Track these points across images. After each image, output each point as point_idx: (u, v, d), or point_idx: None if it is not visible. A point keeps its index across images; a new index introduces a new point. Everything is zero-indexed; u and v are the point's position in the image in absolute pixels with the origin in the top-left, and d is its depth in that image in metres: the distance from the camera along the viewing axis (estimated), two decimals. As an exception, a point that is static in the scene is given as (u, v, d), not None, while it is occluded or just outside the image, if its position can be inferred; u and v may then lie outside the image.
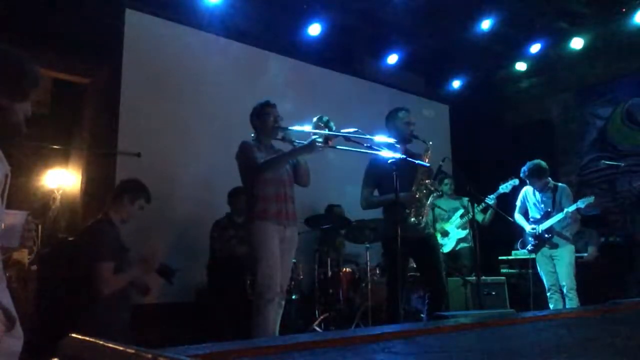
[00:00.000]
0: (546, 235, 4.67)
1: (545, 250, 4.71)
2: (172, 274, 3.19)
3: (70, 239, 4.02)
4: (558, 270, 4.61)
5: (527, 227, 4.79)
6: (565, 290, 4.52)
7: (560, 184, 4.87)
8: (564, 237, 4.66)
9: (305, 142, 3.15)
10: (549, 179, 4.79)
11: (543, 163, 4.73)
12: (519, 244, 4.93)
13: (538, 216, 4.77)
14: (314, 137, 3.09)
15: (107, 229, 2.88)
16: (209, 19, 5.24)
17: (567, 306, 4.48)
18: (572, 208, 4.59)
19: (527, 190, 4.91)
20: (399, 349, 0.98)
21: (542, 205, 4.76)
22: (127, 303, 2.98)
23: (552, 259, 4.68)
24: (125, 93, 4.71)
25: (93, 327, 2.69)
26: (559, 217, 4.60)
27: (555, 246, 4.66)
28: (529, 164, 4.76)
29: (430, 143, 3.60)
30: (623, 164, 5.82)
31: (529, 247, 4.80)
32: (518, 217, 4.93)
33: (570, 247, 4.67)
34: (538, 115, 7.51)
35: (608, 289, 5.18)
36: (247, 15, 5.44)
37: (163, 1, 5.09)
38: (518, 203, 4.97)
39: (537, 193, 4.82)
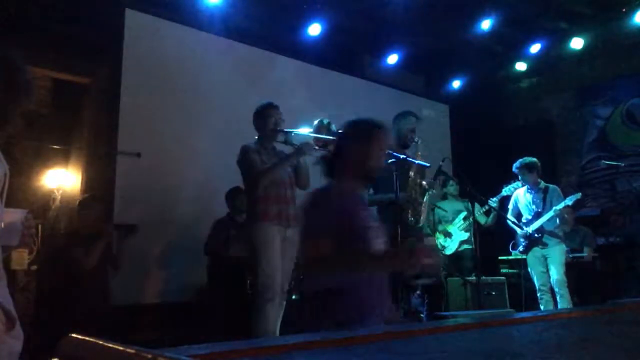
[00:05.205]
0: (536, 235, 4.70)
1: (536, 250, 4.74)
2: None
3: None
4: (550, 268, 4.64)
5: (518, 229, 4.82)
6: (557, 289, 4.55)
7: (551, 185, 4.89)
8: (554, 236, 4.69)
9: (297, 146, 3.21)
10: (541, 180, 4.81)
11: (534, 159, 4.79)
12: (510, 245, 4.98)
13: (529, 217, 4.80)
14: (304, 140, 3.16)
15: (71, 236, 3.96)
16: (209, 19, 5.23)
17: (559, 304, 4.51)
18: (561, 206, 4.61)
19: (518, 193, 4.95)
20: (399, 349, 0.98)
21: (533, 206, 4.80)
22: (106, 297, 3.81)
23: (545, 259, 4.70)
24: (125, 93, 4.71)
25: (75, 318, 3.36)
26: (548, 215, 4.64)
27: (545, 245, 4.69)
28: (520, 160, 4.81)
29: (419, 141, 3.60)
30: (623, 164, 5.82)
31: (520, 248, 4.84)
32: (510, 220, 4.97)
33: (562, 247, 4.70)
34: (538, 115, 7.51)
35: (608, 289, 5.19)
36: (247, 15, 5.43)
37: (163, 1, 5.08)
38: (510, 206, 5.01)
39: (527, 194, 4.86)
